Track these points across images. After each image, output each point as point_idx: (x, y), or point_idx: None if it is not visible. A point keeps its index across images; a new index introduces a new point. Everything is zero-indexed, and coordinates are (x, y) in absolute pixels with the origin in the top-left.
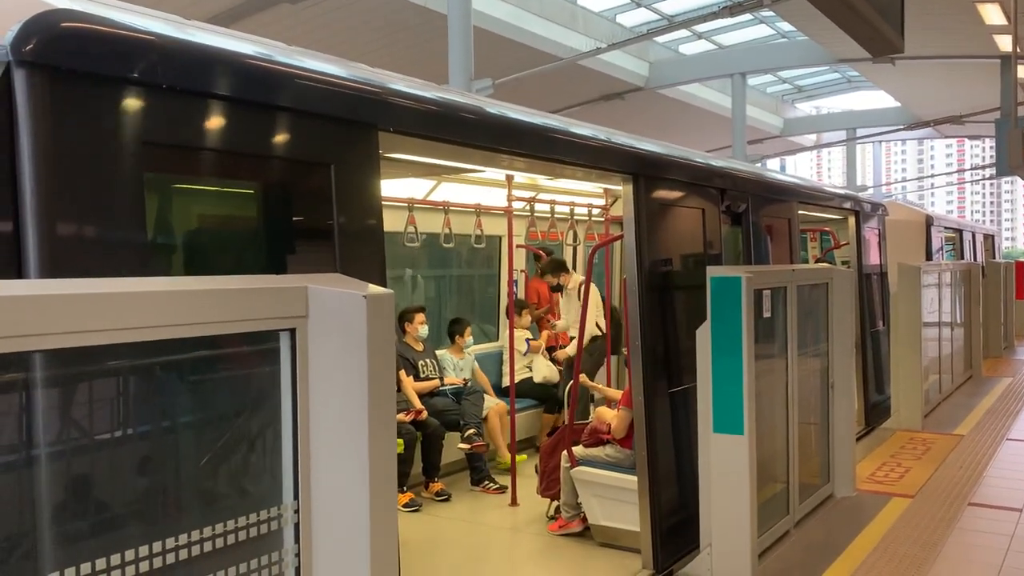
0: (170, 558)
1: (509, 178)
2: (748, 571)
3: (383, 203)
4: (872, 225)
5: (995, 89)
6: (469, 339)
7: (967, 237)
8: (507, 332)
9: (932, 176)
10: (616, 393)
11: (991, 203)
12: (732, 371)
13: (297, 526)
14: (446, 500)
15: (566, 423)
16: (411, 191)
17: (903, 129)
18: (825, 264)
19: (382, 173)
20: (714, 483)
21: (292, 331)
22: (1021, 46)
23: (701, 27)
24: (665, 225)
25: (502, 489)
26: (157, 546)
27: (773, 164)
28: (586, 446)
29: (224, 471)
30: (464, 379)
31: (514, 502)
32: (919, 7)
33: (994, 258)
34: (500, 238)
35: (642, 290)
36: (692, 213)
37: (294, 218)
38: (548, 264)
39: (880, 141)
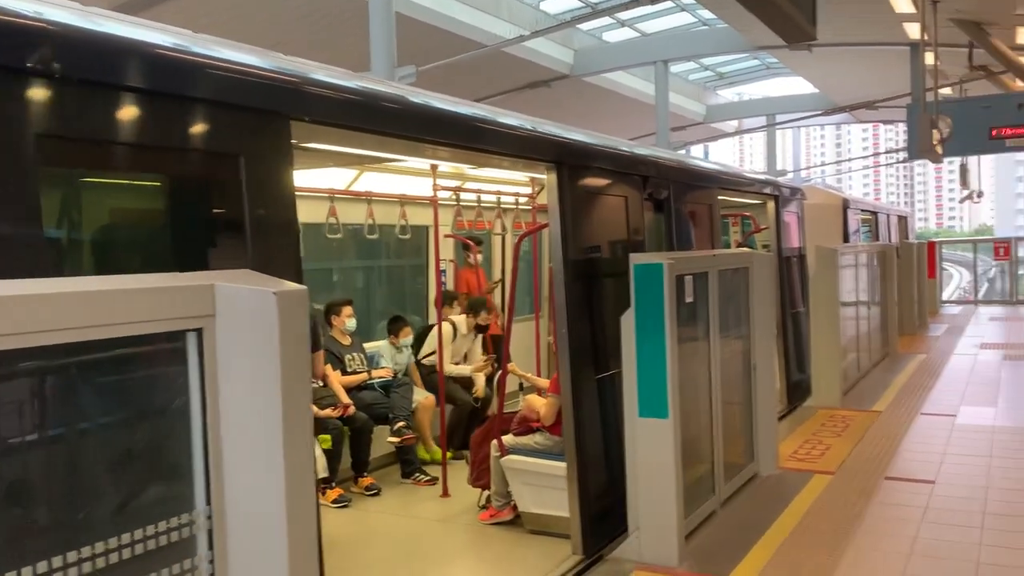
0: (72, 573)
1: (434, 167)
2: (675, 553)
3: (303, 194)
4: (791, 209)
5: (907, 76)
6: (406, 339)
7: (882, 219)
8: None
9: (849, 160)
10: (544, 381)
11: (905, 185)
12: (655, 356)
13: (211, 532)
14: (376, 494)
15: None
16: (333, 181)
17: (820, 115)
18: (745, 249)
19: (301, 163)
20: (640, 467)
21: (199, 331)
22: (929, 34)
23: (624, 15)
24: (589, 213)
25: (433, 481)
26: (57, 561)
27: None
28: (516, 435)
29: (130, 479)
30: (393, 371)
31: (445, 493)
32: None
33: (908, 239)
34: (428, 228)
35: (568, 278)
36: (616, 201)
37: (201, 211)
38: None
39: (799, 127)
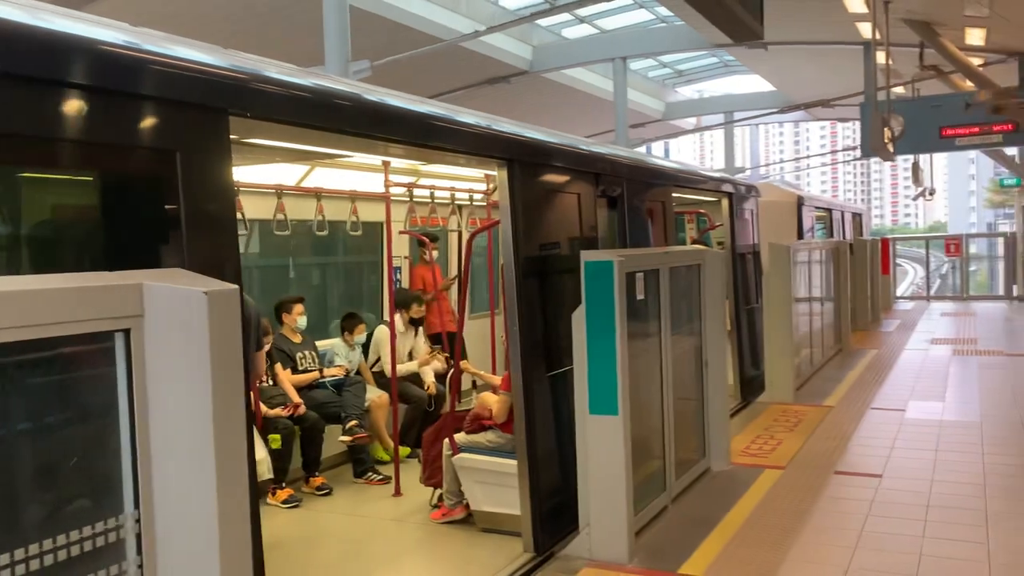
0: None
1: (386, 164)
2: (625, 549)
3: (251, 190)
4: (745, 206)
5: (861, 74)
6: (361, 336)
7: (837, 216)
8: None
9: (807, 157)
10: (497, 378)
11: (861, 183)
12: (606, 353)
13: (139, 536)
14: (328, 494)
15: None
16: (283, 177)
17: (776, 112)
18: (698, 246)
19: (246, 159)
20: (591, 464)
21: (127, 332)
22: (880, 33)
23: (583, 11)
24: (541, 210)
25: (386, 480)
26: None
27: (658, 148)
28: (468, 433)
29: (56, 483)
30: (345, 369)
31: (398, 492)
32: None
33: (862, 236)
34: (383, 224)
35: (519, 275)
36: (568, 198)
37: (136, 209)
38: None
39: (756, 124)
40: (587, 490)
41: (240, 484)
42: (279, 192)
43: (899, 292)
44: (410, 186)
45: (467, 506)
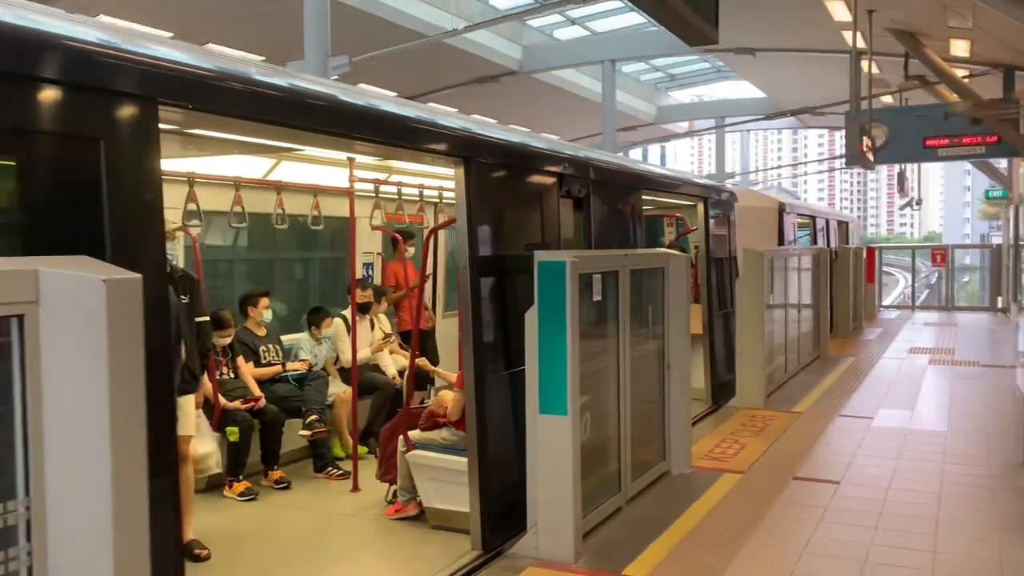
0: None
1: (351, 160)
2: (571, 549)
3: (210, 182)
4: (721, 211)
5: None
6: (328, 330)
7: (821, 224)
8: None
9: (793, 165)
10: (452, 376)
11: (858, 191)
12: (556, 353)
13: (29, 523)
14: (286, 488)
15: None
16: (251, 170)
17: (762, 119)
18: (666, 249)
19: (203, 150)
20: (539, 463)
21: (20, 318)
22: (865, 42)
23: (575, 13)
24: (499, 210)
25: (346, 475)
26: None
27: (654, 152)
28: (423, 430)
29: None
30: (308, 363)
31: (355, 488)
32: (770, 2)
33: (848, 244)
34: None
35: (474, 274)
36: (528, 198)
37: (57, 197)
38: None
39: (748, 130)
40: (535, 489)
41: (137, 475)
42: (236, 184)
43: (889, 301)
44: (376, 182)
45: (420, 503)
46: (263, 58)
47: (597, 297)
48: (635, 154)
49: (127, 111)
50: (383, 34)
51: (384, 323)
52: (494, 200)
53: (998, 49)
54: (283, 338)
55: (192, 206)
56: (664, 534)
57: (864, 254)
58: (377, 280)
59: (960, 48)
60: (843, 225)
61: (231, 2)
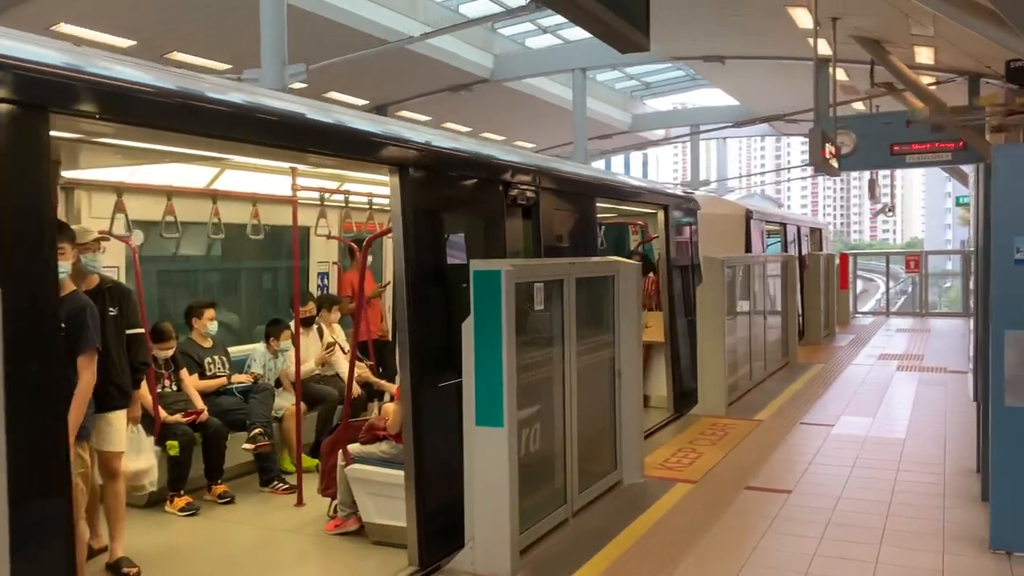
0: None
1: (293, 169)
2: (508, 564)
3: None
4: (683, 218)
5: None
6: (286, 342)
7: (792, 230)
8: (314, 327)
9: (763, 172)
10: (393, 386)
11: (841, 198)
12: (492, 364)
13: None
14: (229, 502)
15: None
16: (194, 179)
17: (731, 126)
18: (612, 257)
19: (135, 159)
20: (475, 476)
21: None
22: (830, 49)
23: (546, 21)
24: (438, 219)
25: (292, 489)
26: None
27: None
28: (363, 443)
29: None
30: (254, 375)
31: (300, 502)
32: (733, 9)
33: (820, 251)
34: (308, 228)
35: (410, 284)
36: (470, 206)
37: None
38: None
39: (724, 137)
40: (472, 503)
41: None
42: (169, 194)
43: (867, 307)
44: (322, 190)
45: (360, 517)
46: (229, 67)
47: (539, 306)
48: (617, 162)
49: (12, 120)
50: (348, 42)
51: (337, 333)
52: (432, 209)
53: (961, 57)
54: (238, 349)
55: (121, 216)
56: (607, 547)
57: (836, 260)
58: (333, 289)
59: (925, 56)
60: (816, 232)
61: (193, 11)
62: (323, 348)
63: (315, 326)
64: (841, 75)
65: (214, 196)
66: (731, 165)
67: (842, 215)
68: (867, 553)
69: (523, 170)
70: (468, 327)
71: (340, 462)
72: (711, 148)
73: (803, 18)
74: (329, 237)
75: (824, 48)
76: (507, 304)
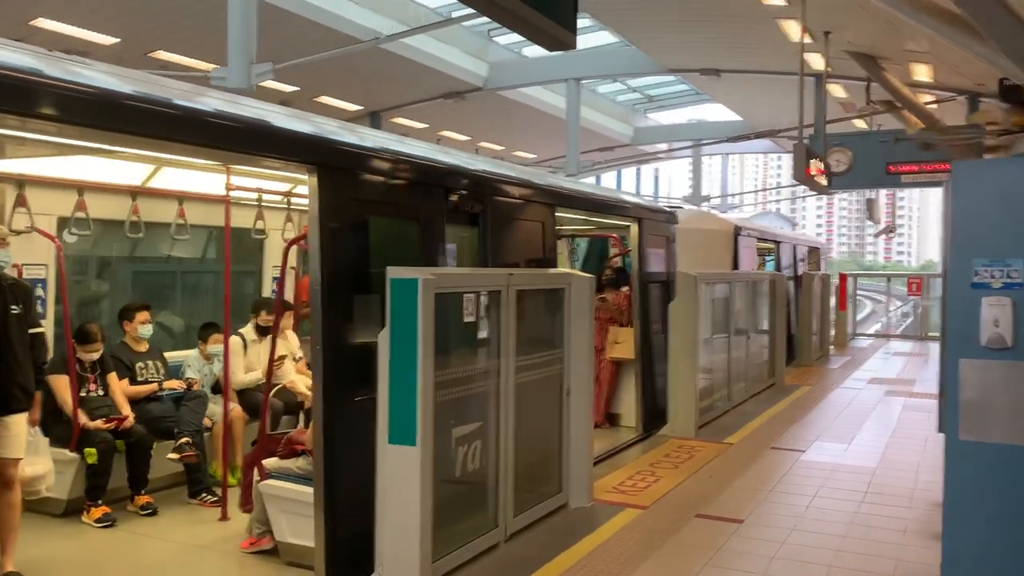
0: None
1: (227, 167)
2: None
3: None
4: (658, 232)
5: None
6: (216, 346)
7: (786, 248)
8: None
9: (761, 190)
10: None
11: (856, 219)
12: (407, 379)
13: None
14: (152, 514)
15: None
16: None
17: (725, 141)
18: (564, 269)
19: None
20: (387, 498)
21: None
22: (824, 63)
23: None
24: (361, 224)
25: (220, 502)
26: None
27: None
28: (281, 457)
29: None
30: (187, 382)
31: (225, 516)
32: (727, 21)
33: (819, 270)
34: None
35: (326, 293)
36: (402, 211)
37: None
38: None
39: (727, 153)
40: (383, 527)
41: None
42: (80, 189)
43: (873, 329)
44: (258, 190)
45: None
46: (214, 67)
47: (471, 318)
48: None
49: None
50: (333, 44)
51: (291, 341)
52: (355, 213)
53: (956, 75)
54: (176, 355)
55: (23, 211)
56: (535, 574)
57: (833, 280)
58: (288, 295)
59: (922, 73)
60: (814, 251)
61: (177, 9)
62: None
63: (269, 335)
64: (840, 92)
65: (134, 193)
66: (747, 182)
67: (857, 235)
68: None
69: (468, 175)
70: (384, 339)
71: (256, 477)
72: (715, 164)
73: (794, 31)
74: (291, 242)
75: (818, 63)
76: (424, 315)
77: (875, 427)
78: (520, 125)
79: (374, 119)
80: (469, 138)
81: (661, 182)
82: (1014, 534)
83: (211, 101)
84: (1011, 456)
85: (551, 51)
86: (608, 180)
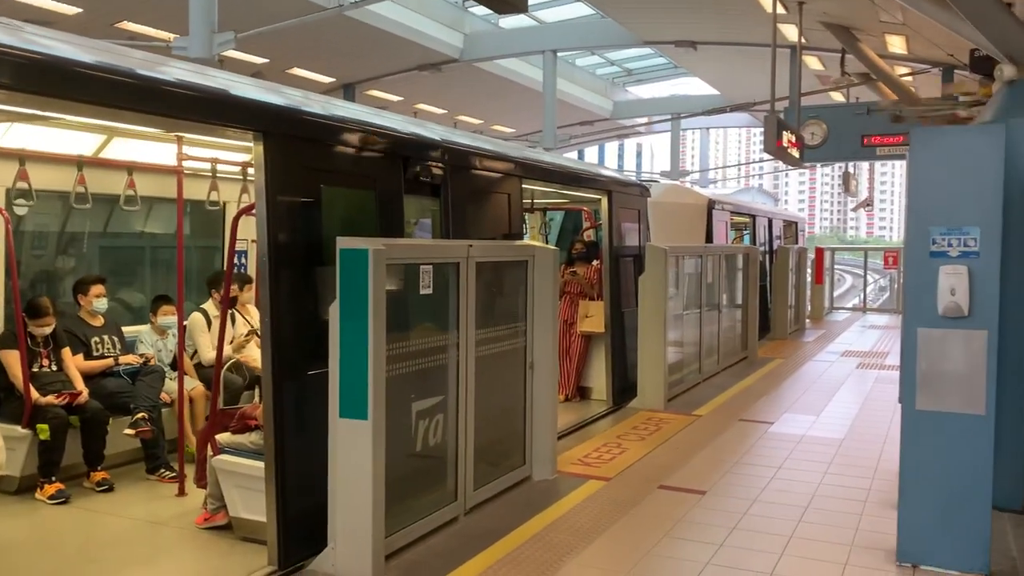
0: None
1: (179, 137)
2: (369, 568)
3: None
4: (629, 206)
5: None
6: (165, 318)
7: (762, 222)
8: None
9: (751, 163)
10: None
11: (839, 192)
12: (358, 351)
13: None
14: (108, 490)
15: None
16: (85, 146)
17: (703, 114)
18: (526, 241)
19: None
20: (338, 472)
21: None
22: (797, 34)
23: None
24: (312, 193)
25: (178, 478)
26: None
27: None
28: (234, 432)
29: None
30: (144, 356)
31: (182, 492)
32: None
33: (796, 244)
34: (225, 204)
35: (272, 264)
36: (355, 180)
37: None
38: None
39: (707, 127)
40: (335, 501)
41: None
42: (21, 158)
43: (852, 303)
44: (212, 160)
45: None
46: (175, 35)
47: (426, 290)
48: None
49: None
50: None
51: (253, 316)
52: (305, 182)
53: (931, 47)
54: (130, 330)
55: None
56: (490, 548)
57: (809, 254)
58: (251, 270)
59: (897, 45)
60: (791, 225)
61: None
62: (240, 333)
63: (231, 310)
64: (816, 64)
65: (79, 163)
66: (731, 156)
67: (839, 210)
68: (764, 563)
69: (427, 144)
70: (334, 311)
71: (209, 452)
72: (695, 138)
73: (768, 1)
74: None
75: (793, 34)
76: (375, 287)
77: (845, 399)
78: (498, 98)
79: (348, 91)
80: (446, 111)
81: (644, 157)
82: (968, 502)
83: (137, 62)
84: (966, 425)
85: (501, 14)
86: (591, 155)
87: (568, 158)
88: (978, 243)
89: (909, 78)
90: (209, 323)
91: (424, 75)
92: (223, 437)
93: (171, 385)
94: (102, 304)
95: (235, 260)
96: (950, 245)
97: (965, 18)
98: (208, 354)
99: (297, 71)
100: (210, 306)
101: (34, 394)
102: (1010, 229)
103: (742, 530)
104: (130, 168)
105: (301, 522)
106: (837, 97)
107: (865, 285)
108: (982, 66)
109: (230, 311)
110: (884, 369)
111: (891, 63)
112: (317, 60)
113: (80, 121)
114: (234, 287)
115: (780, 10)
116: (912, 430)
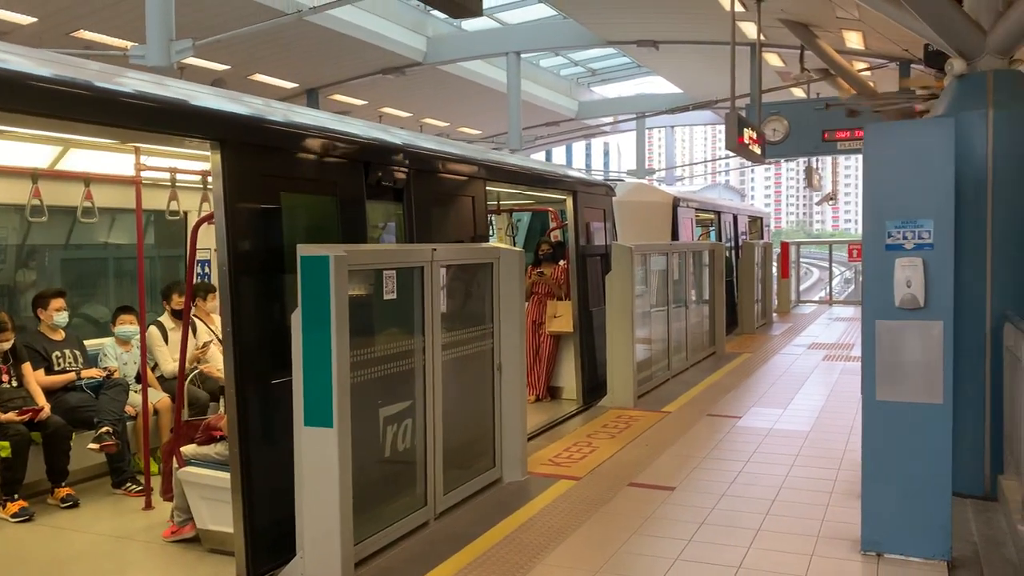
0: None
1: (136, 148)
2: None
3: None
4: (594, 205)
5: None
6: (123, 327)
7: (727, 219)
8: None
9: (717, 160)
10: None
11: (804, 187)
12: (321, 358)
13: None
14: (73, 506)
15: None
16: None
17: (664, 113)
18: (491, 243)
19: None
20: (305, 481)
21: None
22: (756, 32)
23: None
24: (271, 201)
25: (144, 492)
26: None
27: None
28: (199, 443)
29: None
30: (106, 370)
31: (148, 506)
32: None
33: (762, 239)
34: (187, 213)
35: (234, 273)
36: (315, 186)
37: None
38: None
39: (672, 125)
40: (302, 510)
41: None
42: None
43: (819, 296)
44: (172, 170)
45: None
46: (133, 44)
47: (390, 295)
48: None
49: None
50: (255, 18)
51: (218, 325)
52: (264, 190)
53: (887, 42)
54: (92, 343)
55: None
56: (461, 551)
57: (773, 249)
58: (214, 279)
59: (854, 40)
60: (756, 221)
61: None
62: (197, 345)
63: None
64: (776, 61)
65: (34, 175)
66: (697, 154)
67: (805, 205)
68: (732, 556)
69: (389, 149)
70: (296, 319)
71: (175, 464)
72: (662, 137)
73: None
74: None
75: (752, 32)
76: (337, 293)
77: (812, 391)
78: (463, 101)
79: (311, 96)
80: (411, 115)
81: (612, 156)
82: (928, 490)
83: (93, 74)
84: (925, 415)
85: (455, 18)
86: (559, 155)
87: (533, 159)
88: (932, 235)
89: (868, 73)
90: (165, 336)
91: (388, 79)
92: (188, 449)
93: (136, 398)
94: (62, 318)
95: (198, 269)
96: (905, 238)
97: (915, 14)
98: (168, 366)
99: (259, 77)
100: (166, 318)
101: None
102: (962, 220)
103: (710, 525)
104: (87, 179)
105: (269, 532)
106: (798, 93)
107: (831, 278)
108: (935, 60)
109: (192, 320)
110: (850, 361)
111: (849, 58)
112: (279, 66)
113: (34, 134)
114: (198, 296)
115: (739, 8)
116: (873, 420)
